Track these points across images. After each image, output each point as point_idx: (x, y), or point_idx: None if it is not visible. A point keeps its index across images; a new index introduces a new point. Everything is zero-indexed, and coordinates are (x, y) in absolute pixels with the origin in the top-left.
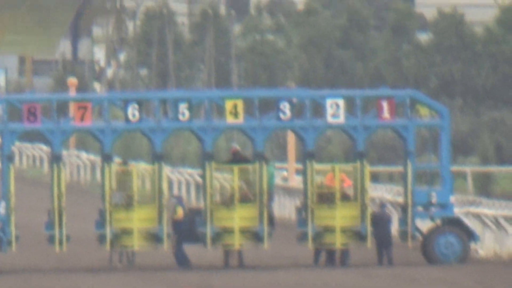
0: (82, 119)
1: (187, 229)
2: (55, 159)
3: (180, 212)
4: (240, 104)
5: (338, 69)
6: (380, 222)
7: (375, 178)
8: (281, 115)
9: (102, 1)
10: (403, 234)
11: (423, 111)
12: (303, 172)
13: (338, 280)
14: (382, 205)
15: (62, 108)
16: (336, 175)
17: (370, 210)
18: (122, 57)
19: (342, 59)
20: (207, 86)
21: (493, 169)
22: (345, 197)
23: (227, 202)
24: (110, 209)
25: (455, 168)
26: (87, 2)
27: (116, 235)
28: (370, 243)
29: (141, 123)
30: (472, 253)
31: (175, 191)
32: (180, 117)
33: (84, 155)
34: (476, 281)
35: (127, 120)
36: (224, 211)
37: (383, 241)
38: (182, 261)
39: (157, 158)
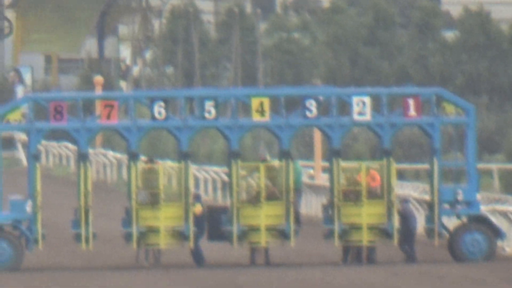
0: (108, 117)
1: (208, 226)
2: (82, 157)
3: (198, 209)
4: (266, 102)
5: (364, 67)
6: (403, 218)
7: (401, 175)
8: (307, 113)
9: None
10: (430, 232)
11: (449, 108)
12: (329, 170)
13: (365, 278)
14: (405, 201)
15: (88, 107)
16: (363, 173)
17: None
18: (148, 55)
19: (368, 57)
20: (233, 84)
21: None
22: (372, 195)
23: (253, 200)
24: (136, 208)
25: (481, 165)
26: (112, 1)
27: (142, 233)
28: (397, 240)
29: (167, 121)
30: (499, 251)
31: (201, 189)
32: (206, 115)
33: (110, 153)
34: (503, 278)
35: (153, 118)
36: (250, 209)
37: (405, 237)
38: (197, 257)
39: (183, 156)
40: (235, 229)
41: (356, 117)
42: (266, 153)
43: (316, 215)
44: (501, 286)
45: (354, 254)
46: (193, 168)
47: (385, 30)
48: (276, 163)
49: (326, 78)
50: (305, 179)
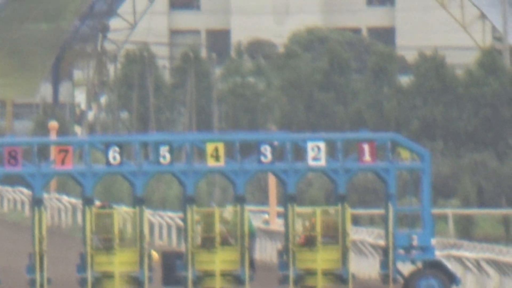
0: (63, 162)
1: (163, 271)
2: (36, 202)
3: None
4: (221, 147)
5: (319, 112)
6: None
7: (356, 221)
8: (262, 158)
9: (83, 44)
10: (385, 277)
11: (404, 154)
12: (284, 215)
13: None
14: None
15: (43, 152)
16: (318, 218)
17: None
18: (103, 100)
19: (323, 101)
20: (188, 129)
21: (474, 211)
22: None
23: (208, 245)
24: (91, 253)
25: (436, 210)
26: (67, 46)
27: (97, 278)
28: (351, 286)
29: (122, 166)
30: None
31: (156, 234)
32: (161, 160)
33: (65, 198)
34: None
35: (108, 163)
36: (205, 254)
37: None
38: None
39: (138, 201)
40: (190, 274)
41: (311, 162)
42: (213, 203)
43: (271, 260)
44: None
45: None
46: (148, 213)
47: (340, 75)
48: (230, 209)
49: (281, 123)
50: (259, 224)
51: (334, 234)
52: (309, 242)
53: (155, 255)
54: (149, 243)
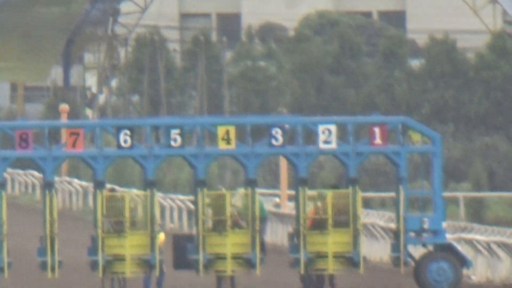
0: (74, 145)
1: (174, 255)
2: (47, 185)
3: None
4: (232, 131)
5: (330, 95)
6: None
7: (367, 204)
8: (273, 141)
9: (93, 28)
10: (396, 260)
11: (415, 137)
12: (295, 199)
13: None
14: None
15: (54, 135)
16: (329, 201)
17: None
18: (113, 83)
19: (334, 85)
20: (199, 112)
21: (485, 195)
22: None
23: (219, 229)
24: (102, 236)
25: (447, 194)
26: (78, 30)
27: (108, 261)
28: (363, 269)
29: (133, 149)
30: (465, 279)
31: (167, 217)
32: (172, 143)
33: (76, 181)
34: None
35: (119, 146)
36: (216, 238)
37: None
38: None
39: (149, 184)
40: (201, 258)
41: (322, 145)
42: (221, 187)
43: (282, 243)
44: None
45: (316, 282)
46: (158, 197)
47: (351, 59)
48: (241, 192)
49: (292, 106)
50: (271, 207)
51: (345, 217)
52: (319, 225)
53: (161, 236)
54: (160, 226)
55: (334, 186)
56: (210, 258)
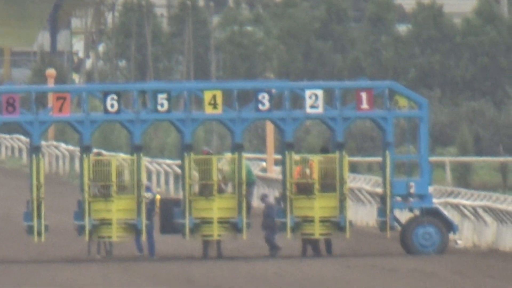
0: (60, 110)
1: (161, 219)
2: (34, 150)
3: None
4: (219, 96)
5: (317, 60)
6: (265, 212)
7: (354, 168)
8: (260, 106)
9: None
10: (382, 225)
11: (402, 102)
12: (282, 163)
13: (317, 271)
14: (265, 195)
15: (41, 100)
16: (315, 166)
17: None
18: (100, 48)
19: (321, 50)
20: (186, 77)
21: (472, 159)
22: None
23: (206, 193)
24: (88, 200)
25: (433, 158)
26: None
27: (94, 226)
28: (349, 233)
29: (120, 114)
30: (451, 244)
31: (153, 181)
32: (159, 108)
33: (63, 146)
34: (455, 271)
35: (106, 111)
36: (202, 202)
37: (267, 229)
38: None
39: (136, 149)
40: (187, 222)
41: (308, 110)
42: (208, 148)
43: None
44: (453, 279)
45: (312, 247)
46: (145, 161)
47: (338, 24)
48: (227, 157)
49: (279, 71)
50: (257, 172)
51: (331, 182)
52: (306, 190)
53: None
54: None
55: (324, 149)
56: (196, 223)
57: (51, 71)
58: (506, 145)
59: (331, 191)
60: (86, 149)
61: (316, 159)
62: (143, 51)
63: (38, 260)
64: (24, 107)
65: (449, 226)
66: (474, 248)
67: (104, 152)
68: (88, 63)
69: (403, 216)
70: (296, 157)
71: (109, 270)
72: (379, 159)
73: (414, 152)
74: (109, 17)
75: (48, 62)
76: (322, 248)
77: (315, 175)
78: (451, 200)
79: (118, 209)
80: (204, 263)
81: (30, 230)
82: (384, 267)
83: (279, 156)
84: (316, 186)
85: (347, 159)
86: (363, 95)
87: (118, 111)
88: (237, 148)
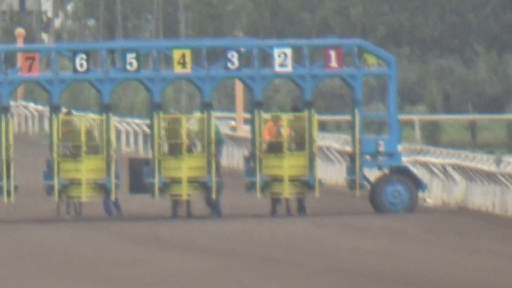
0: (29, 69)
1: (130, 178)
2: (3, 110)
3: None
4: (188, 54)
5: (286, 18)
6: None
7: (322, 127)
8: (229, 65)
9: None
10: (351, 183)
11: (371, 60)
12: (251, 122)
13: (286, 230)
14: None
15: (9, 59)
16: (284, 124)
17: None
18: (69, 7)
19: (289, 8)
20: (155, 36)
21: (441, 117)
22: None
23: (175, 152)
24: (58, 160)
25: (402, 117)
26: None
27: (64, 186)
28: (318, 192)
29: (89, 73)
30: (420, 202)
31: (123, 141)
32: (128, 67)
33: (32, 105)
34: (424, 229)
35: (75, 70)
36: (172, 161)
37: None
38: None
39: (105, 108)
40: (156, 181)
41: (277, 68)
42: (174, 110)
43: (238, 166)
44: (422, 236)
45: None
46: (114, 120)
47: None
48: (196, 116)
49: (248, 30)
50: (227, 130)
51: (300, 141)
52: (275, 149)
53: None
54: (115, 150)
55: (295, 108)
56: (165, 182)
57: (20, 31)
58: (475, 103)
59: (300, 150)
60: (55, 109)
61: (285, 118)
62: (112, 10)
63: (7, 220)
64: None
65: (418, 184)
66: (443, 206)
67: (73, 111)
68: (57, 22)
69: (372, 174)
70: (266, 115)
71: (78, 230)
72: (348, 117)
73: (383, 110)
74: None
75: (17, 21)
76: (294, 208)
77: (285, 134)
78: (420, 158)
79: (87, 169)
80: (174, 222)
81: None
82: (353, 225)
83: (248, 115)
84: (285, 144)
85: (316, 117)
86: (332, 53)
87: (87, 70)
88: (206, 107)
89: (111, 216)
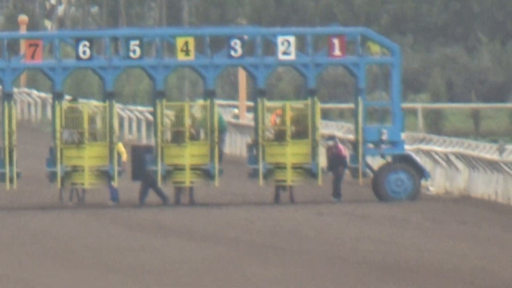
0: (33, 57)
1: (133, 166)
2: (6, 97)
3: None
4: (191, 42)
5: (289, 6)
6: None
7: (326, 115)
8: (232, 53)
9: None
10: (354, 171)
11: (374, 48)
12: (254, 110)
13: (289, 218)
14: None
15: (13, 46)
16: (287, 113)
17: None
18: None
19: None
20: (158, 23)
21: (444, 106)
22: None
23: (178, 140)
24: (60, 147)
25: (406, 105)
26: None
27: (66, 173)
28: (321, 180)
29: (92, 61)
30: (423, 190)
31: (125, 128)
32: (131, 55)
33: (35, 93)
34: (427, 218)
35: (78, 58)
36: (175, 149)
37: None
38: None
39: (108, 96)
40: (159, 169)
41: (281, 56)
42: (188, 99)
43: (241, 154)
44: (425, 225)
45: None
46: (117, 108)
47: None
48: (200, 103)
49: (251, 18)
50: (229, 118)
51: (303, 129)
52: (278, 137)
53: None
54: (118, 138)
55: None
56: (168, 169)
57: (23, 18)
58: (478, 92)
59: (303, 138)
60: (58, 96)
61: (287, 106)
62: None
63: (10, 207)
64: None
65: (421, 173)
66: (446, 194)
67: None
68: (60, 10)
69: (375, 162)
70: (270, 103)
71: (81, 217)
72: (351, 105)
73: (386, 99)
74: None
75: (20, 8)
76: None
77: (288, 122)
78: (423, 146)
79: (90, 156)
80: (177, 209)
81: (2, 177)
82: (356, 214)
83: (251, 103)
84: (288, 132)
85: (319, 105)
86: (335, 41)
87: (90, 58)
88: (209, 94)
89: (116, 203)
